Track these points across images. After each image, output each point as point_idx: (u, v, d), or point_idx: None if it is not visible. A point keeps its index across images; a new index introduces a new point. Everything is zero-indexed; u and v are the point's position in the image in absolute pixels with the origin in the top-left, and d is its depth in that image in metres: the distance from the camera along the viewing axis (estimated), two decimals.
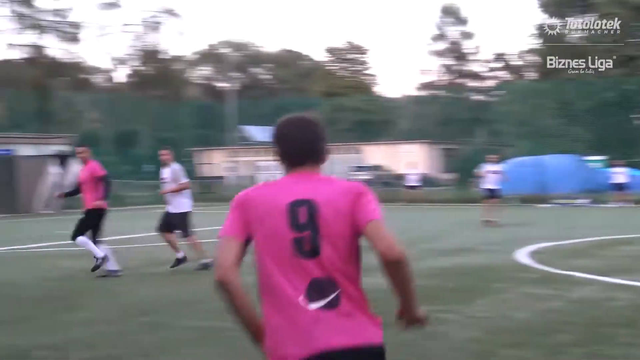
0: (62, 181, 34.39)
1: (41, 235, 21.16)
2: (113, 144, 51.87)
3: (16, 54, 68.32)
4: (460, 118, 65.92)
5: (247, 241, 3.21)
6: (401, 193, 38.31)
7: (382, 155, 58.74)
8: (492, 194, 22.62)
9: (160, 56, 72.65)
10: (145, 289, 11.21)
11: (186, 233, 13.02)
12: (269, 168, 52.69)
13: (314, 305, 3.10)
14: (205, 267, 12.40)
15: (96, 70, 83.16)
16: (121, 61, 74.09)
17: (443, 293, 9.96)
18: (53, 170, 33.98)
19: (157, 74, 72.17)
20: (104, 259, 12.09)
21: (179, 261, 12.74)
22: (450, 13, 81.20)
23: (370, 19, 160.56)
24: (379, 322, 3.20)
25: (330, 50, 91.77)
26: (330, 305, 3.11)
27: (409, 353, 6.75)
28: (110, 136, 56.20)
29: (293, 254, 3.15)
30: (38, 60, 66.70)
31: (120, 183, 43.60)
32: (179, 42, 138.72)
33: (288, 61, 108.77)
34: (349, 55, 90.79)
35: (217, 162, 47.91)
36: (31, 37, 67.79)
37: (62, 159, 34.80)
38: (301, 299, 3.12)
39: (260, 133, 73.25)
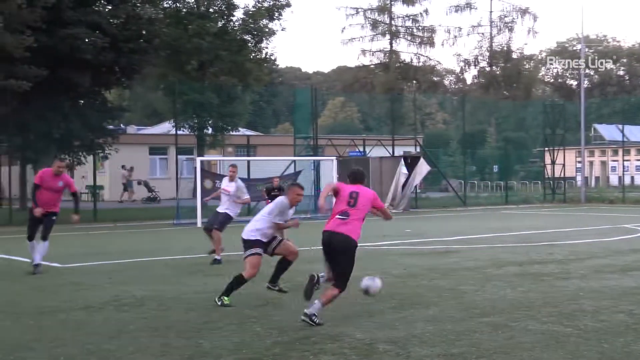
0: (411, 181, 35.35)
1: (389, 233, 21.79)
2: (460, 144, 52.33)
3: (370, 60, 71.38)
4: None
5: None
6: None
7: None
8: None
9: (512, 55, 71.96)
10: (488, 290, 11.08)
11: (220, 229, 15.35)
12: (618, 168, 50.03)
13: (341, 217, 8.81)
14: (217, 262, 14.93)
15: (446, 72, 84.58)
16: (470, 62, 74.54)
17: None
18: (402, 170, 34.98)
19: (506, 73, 71.65)
20: None
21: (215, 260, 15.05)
22: None
23: None
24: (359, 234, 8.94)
25: None
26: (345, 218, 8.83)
27: None
28: (458, 137, 56.84)
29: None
30: (391, 65, 69.26)
31: (466, 184, 43.95)
32: (530, 40, 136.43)
33: None
34: None
35: (567, 163, 46.36)
36: (384, 42, 70.62)
37: (411, 160, 35.73)
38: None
39: (611, 132, 69.86)
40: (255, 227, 10.05)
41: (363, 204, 9.01)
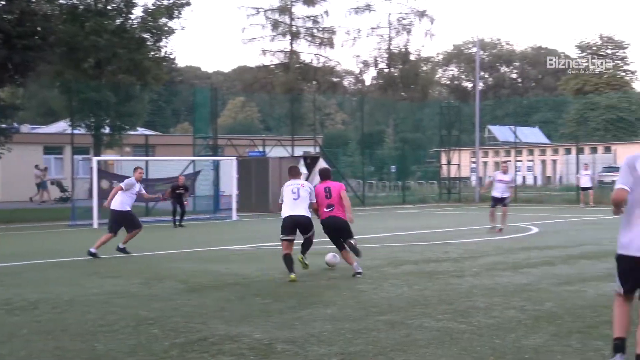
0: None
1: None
2: (359, 145, 52.91)
3: (270, 60, 71.41)
4: None
5: None
6: None
7: None
8: None
9: (409, 57, 73.08)
10: (386, 288, 11.26)
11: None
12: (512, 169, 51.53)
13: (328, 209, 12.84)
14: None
15: (346, 73, 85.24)
16: (369, 64, 75.38)
17: None
18: (302, 171, 35.13)
19: (404, 75, 72.72)
20: None
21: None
22: None
23: (624, 11, 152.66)
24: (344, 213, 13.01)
25: (582, 47, 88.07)
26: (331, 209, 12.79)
27: None
28: (357, 137, 57.45)
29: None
30: (291, 65, 69.42)
31: (365, 184, 44.47)
32: (427, 43, 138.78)
33: (537, 59, 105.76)
34: (606, 51, 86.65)
35: (462, 163, 47.48)
36: (285, 42, 70.76)
37: (310, 160, 35.90)
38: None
39: (504, 133, 71.85)
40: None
41: (336, 193, 13.10)
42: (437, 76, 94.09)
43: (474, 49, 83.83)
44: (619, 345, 6.49)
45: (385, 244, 18.52)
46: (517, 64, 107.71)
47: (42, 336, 8.26)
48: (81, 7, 35.47)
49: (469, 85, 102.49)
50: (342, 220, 12.96)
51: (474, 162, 49.93)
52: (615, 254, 6.70)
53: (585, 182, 36.12)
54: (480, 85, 74.03)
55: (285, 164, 35.90)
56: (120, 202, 16.19)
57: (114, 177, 30.93)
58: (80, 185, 33.02)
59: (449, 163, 45.22)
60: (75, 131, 33.86)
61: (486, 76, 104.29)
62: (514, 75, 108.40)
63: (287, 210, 12.78)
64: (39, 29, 30.83)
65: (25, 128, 51.81)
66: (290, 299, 10.39)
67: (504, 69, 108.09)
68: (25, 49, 29.42)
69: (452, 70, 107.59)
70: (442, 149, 47.29)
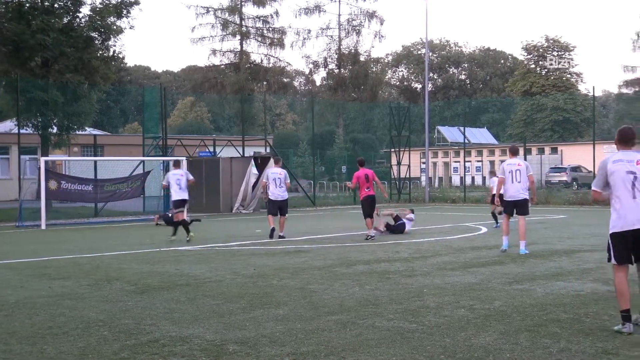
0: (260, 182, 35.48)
1: (238, 234, 21.81)
2: (310, 145, 52.96)
3: (220, 60, 71.13)
4: None
5: None
6: None
7: (583, 155, 56.31)
8: None
9: (359, 58, 73.31)
10: (337, 288, 11.29)
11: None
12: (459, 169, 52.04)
13: (367, 189, 19.54)
14: None
15: (296, 73, 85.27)
16: (319, 64, 75.48)
17: None
18: (253, 171, 35.06)
19: (353, 76, 72.96)
20: None
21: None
22: None
23: (568, 14, 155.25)
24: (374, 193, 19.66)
25: (529, 48, 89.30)
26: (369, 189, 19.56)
27: None
28: (307, 138, 57.48)
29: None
30: (241, 66, 69.22)
31: (316, 184, 44.54)
32: (377, 43, 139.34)
33: (485, 60, 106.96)
34: (552, 53, 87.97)
35: (412, 163, 47.81)
36: (235, 42, 70.52)
37: (260, 160, 35.83)
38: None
39: (454, 134, 72.50)
40: None
41: (371, 178, 19.47)
42: (386, 77, 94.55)
43: (423, 50, 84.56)
44: (626, 316, 7.98)
45: (336, 244, 18.56)
46: (466, 65, 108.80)
47: None
48: (27, 4, 34.91)
49: (419, 86, 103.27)
50: (374, 197, 19.68)
51: (424, 163, 50.29)
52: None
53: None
54: (430, 87, 74.51)
55: (236, 165, 35.92)
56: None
57: (62, 177, 30.56)
58: (27, 186, 32.53)
59: (399, 163, 45.50)
60: (22, 131, 33.33)
61: (435, 77, 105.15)
62: (462, 77, 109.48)
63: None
64: None
65: None
66: (241, 299, 10.36)
67: (452, 70, 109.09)
68: None
69: (401, 71, 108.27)
70: (393, 150, 47.56)
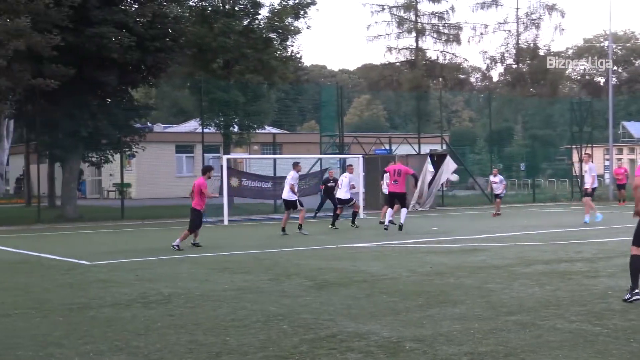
0: (437, 179, 35.21)
1: (414, 231, 21.76)
2: (487, 142, 52.10)
3: (395, 57, 71.21)
4: None
5: None
6: None
7: None
8: None
9: (539, 52, 71.43)
10: (516, 288, 11.02)
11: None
12: None
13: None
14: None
15: (472, 69, 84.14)
16: (496, 60, 74.14)
17: None
18: (429, 168, 34.85)
19: (532, 71, 71.17)
20: None
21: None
22: None
23: None
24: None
25: None
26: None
27: None
28: (484, 135, 56.57)
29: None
30: (417, 63, 69.05)
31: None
32: (557, 37, 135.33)
33: None
34: None
35: (595, 161, 46.06)
36: (410, 40, 70.43)
37: (437, 158, 35.58)
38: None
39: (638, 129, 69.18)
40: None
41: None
42: (567, 71, 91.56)
43: (606, 43, 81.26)
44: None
45: (515, 242, 18.15)
46: None
47: (176, 329, 8.48)
48: (209, 9, 36.31)
49: (602, 80, 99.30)
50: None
51: (607, 160, 48.31)
52: None
53: (497, 188, 30.63)
54: (614, 80, 71.46)
55: (412, 162, 35.82)
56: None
57: (243, 174, 31.57)
58: (209, 183, 33.77)
59: (581, 161, 43.89)
60: (206, 130, 34.71)
61: (620, 70, 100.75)
62: None
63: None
64: (169, 31, 31.73)
65: (158, 127, 53.53)
66: (418, 297, 10.31)
67: (638, 62, 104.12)
68: (157, 50, 30.31)
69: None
70: (574, 146, 45.97)
